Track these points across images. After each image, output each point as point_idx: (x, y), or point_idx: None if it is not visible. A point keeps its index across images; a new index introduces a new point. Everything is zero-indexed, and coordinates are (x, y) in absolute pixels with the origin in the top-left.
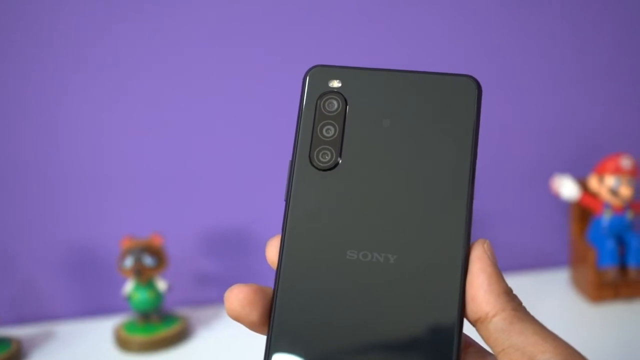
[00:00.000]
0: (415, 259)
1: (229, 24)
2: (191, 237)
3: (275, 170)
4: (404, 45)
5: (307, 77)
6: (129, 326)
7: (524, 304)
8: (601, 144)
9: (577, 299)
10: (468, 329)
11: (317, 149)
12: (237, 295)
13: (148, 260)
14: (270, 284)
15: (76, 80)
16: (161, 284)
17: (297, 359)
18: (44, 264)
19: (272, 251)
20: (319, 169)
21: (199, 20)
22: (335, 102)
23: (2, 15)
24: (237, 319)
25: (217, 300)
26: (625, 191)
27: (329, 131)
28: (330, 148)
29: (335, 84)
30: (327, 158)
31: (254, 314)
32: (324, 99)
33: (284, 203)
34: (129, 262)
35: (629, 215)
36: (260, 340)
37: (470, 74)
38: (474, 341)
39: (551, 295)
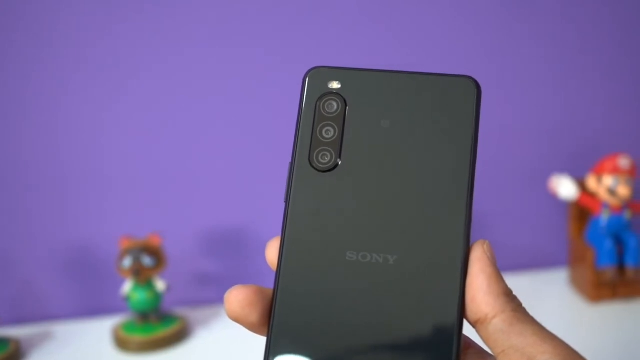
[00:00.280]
0: (414, 259)
1: (229, 24)
2: (190, 237)
3: (274, 171)
4: (404, 45)
5: (307, 79)
6: (128, 326)
7: (522, 304)
8: (599, 144)
9: (576, 299)
10: (468, 330)
11: (317, 150)
12: (237, 297)
13: (147, 260)
14: (270, 284)
15: (75, 80)
16: (160, 284)
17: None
18: (42, 264)
19: (271, 252)
20: (319, 170)
21: (198, 20)
22: (334, 104)
23: (2, 15)
24: (237, 320)
25: (215, 300)
26: (623, 191)
27: (329, 132)
28: (329, 149)
29: (335, 85)
30: (327, 159)
31: (254, 315)
32: (323, 100)
33: (283, 203)
34: (127, 262)
35: (627, 215)
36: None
37: (470, 74)
38: (473, 342)
39: (550, 295)
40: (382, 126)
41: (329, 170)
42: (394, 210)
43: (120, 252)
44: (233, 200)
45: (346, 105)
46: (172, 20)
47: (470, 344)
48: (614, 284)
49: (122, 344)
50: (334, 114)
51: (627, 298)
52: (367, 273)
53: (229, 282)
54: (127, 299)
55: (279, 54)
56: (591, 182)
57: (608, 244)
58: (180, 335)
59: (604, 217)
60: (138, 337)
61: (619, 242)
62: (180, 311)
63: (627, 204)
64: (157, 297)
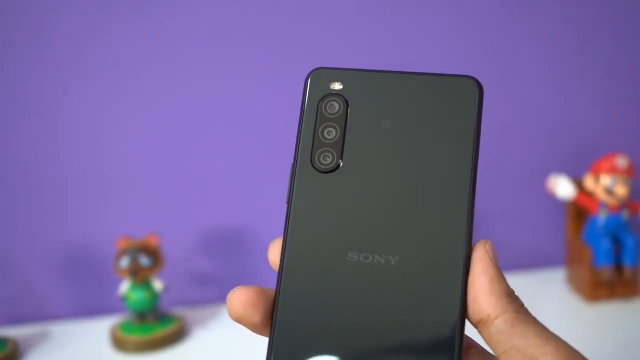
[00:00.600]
0: (416, 260)
1: (229, 24)
2: (188, 237)
3: (273, 171)
4: (404, 45)
5: (309, 80)
6: (126, 326)
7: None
8: (597, 144)
9: (574, 299)
10: (470, 331)
11: (319, 152)
12: (240, 298)
13: (144, 261)
14: (269, 284)
15: (75, 80)
16: (157, 284)
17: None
18: (40, 264)
19: (274, 253)
20: (321, 172)
21: (198, 21)
22: (336, 105)
23: (2, 15)
24: (239, 321)
25: (213, 300)
26: (621, 191)
27: (331, 134)
28: (331, 150)
29: (337, 86)
30: (329, 160)
31: (257, 316)
32: (325, 102)
33: (281, 204)
34: (125, 262)
35: (625, 215)
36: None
37: (470, 74)
38: (476, 343)
39: (547, 295)
40: (384, 127)
41: (331, 172)
42: (396, 211)
43: (118, 252)
44: (231, 200)
45: (348, 107)
46: (172, 20)
47: (473, 344)
48: (612, 283)
49: (119, 344)
50: (336, 115)
51: (624, 298)
52: (369, 274)
53: (227, 282)
54: (124, 299)
55: (279, 54)
56: (589, 182)
57: (606, 244)
58: (178, 336)
59: (602, 216)
60: (136, 337)
61: (617, 241)
62: (178, 311)
63: (625, 204)
64: (155, 297)
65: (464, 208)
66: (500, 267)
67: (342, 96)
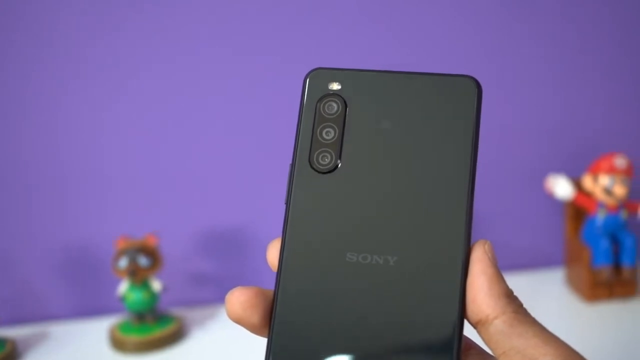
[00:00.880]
0: (415, 260)
1: (229, 24)
2: (186, 238)
3: (272, 171)
4: (404, 45)
5: (307, 80)
6: (124, 326)
7: (523, 304)
8: (596, 143)
9: (572, 299)
10: (469, 331)
11: (317, 152)
12: (239, 298)
13: (143, 261)
14: (267, 284)
15: (75, 80)
16: (156, 285)
17: None
18: (38, 265)
19: (272, 254)
20: (319, 172)
21: (198, 21)
22: (334, 105)
23: (2, 15)
24: (238, 321)
25: (212, 300)
26: (619, 190)
27: (329, 134)
28: (330, 151)
29: (335, 86)
30: (327, 161)
31: (255, 317)
32: (323, 102)
33: (280, 204)
34: (123, 262)
35: (623, 215)
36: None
37: (470, 74)
38: (475, 343)
39: (546, 295)
40: (382, 127)
41: (329, 172)
42: (394, 211)
43: (117, 253)
44: (230, 201)
45: (346, 107)
46: (172, 20)
47: (472, 345)
48: (610, 283)
49: (118, 344)
50: (334, 115)
51: (623, 298)
52: (367, 274)
53: (225, 282)
54: (123, 299)
55: (279, 54)
56: (587, 182)
57: (604, 244)
58: (176, 336)
59: (600, 216)
60: (134, 337)
61: (615, 241)
62: (177, 311)
63: (623, 204)
64: (153, 297)
65: (462, 208)
66: (499, 267)
67: (340, 96)
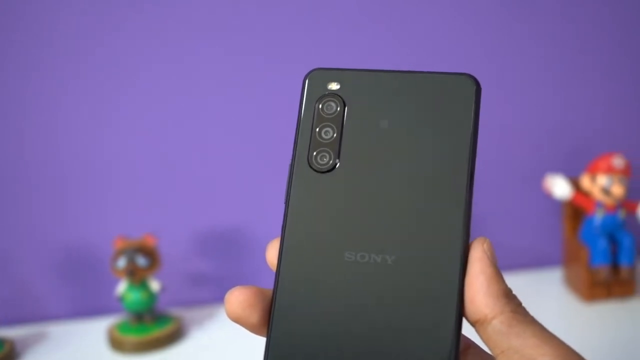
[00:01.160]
0: (413, 259)
1: (228, 25)
2: (184, 238)
3: (270, 171)
4: (404, 45)
5: (306, 80)
6: (122, 327)
7: (522, 304)
8: (593, 143)
9: (570, 298)
10: (468, 330)
11: (316, 152)
12: (238, 298)
13: (141, 261)
14: (266, 284)
15: (73, 81)
16: (154, 285)
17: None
18: (36, 265)
19: (272, 253)
20: (318, 172)
21: (197, 21)
22: (333, 104)
23: (2, 15)
24: (237, 321)
25: (210, 300)
26: (617, 190)
27: (328, 133)
28: (328, 150)
29: (334, 86)
30: (325, 160)
31: (254, 316)
32: (322, 102)
33: (279, 204)
34: (122, 262)
35: (621, 214)
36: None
37: (469, 73)
38: (474, 343)
39: (544, 295)
40: (380, 126)
41: (328, 171)
42: (393, 210)
43: (115, 253)
44: (228, 201)
45: (345, 106)
46: (171, 20)
47: (470, 344)
48: (608, 283)
49: (116, 344)
50: (333, 115)
51: (621, 297)
52: (365, 273)
53: (223, 282)
54: (121, 299)
55: (279, 54)
56: (585, 182)
57: (602, 244)
58: (174, 336)
59: (598, 216)
60: (133, 337)
61: (613, 241)
62: (175, 311)
63: (621, 204)
64: (152, 297)
65: (460, 206)
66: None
67: (338, 96)
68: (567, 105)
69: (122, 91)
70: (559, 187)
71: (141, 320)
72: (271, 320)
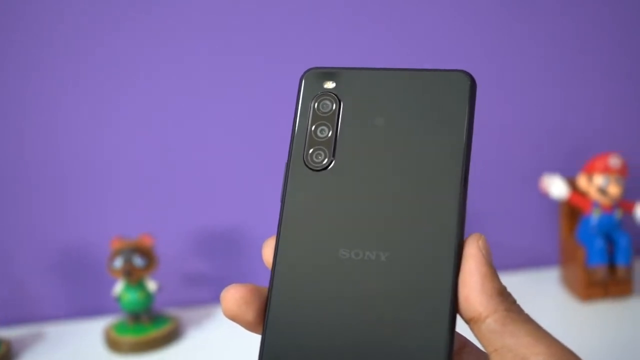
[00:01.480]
0: (406, 256)
1: (226, 25)
2: (181, 238)
3: (267, 171)
4: (404, 45)
5: (303, 80)
6: (119, 327)
7: (517, 301)
8: (590, 143)
9: (567, 298)
10: (465, 329)
11: (311, 150)
12: (234, 295)
13: (138, 261)
14: (262, 283)
15: (72, 81)
16: (151, 285)
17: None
18: (33, 265)
19: (267, 252)
20: (313, 170)
21: (195, 22)
22: (328, 103)
23: (2, 15)
24: (233, 318)
25: (207, 300)
26: (614, 190)
27: (323, 132)
28: (324, 148)
29: (329, 85)
30: (321, 158)
31: (250, 314)
32: (318, 100)
33: (275, 204)
34: (118, 262)
35: (618, 214)
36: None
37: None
38: (469, 341)
39: (541, 294)
40: (375, 124)
41: (323, 169)
42: (387, 207)
43: (112, 253)
44: (225, 201)
45: (340, 104)
46: (170, 21)
47: (466, 342)
48: (605, 283)
49: (113, 344)
50: (328, 113)
51: (618, 297)
52: (359, 270)
53: (220, 282)
54: (118, 299)
55: (278, 54)
56: (582, 181)
57: (599, 243)
58: (171, 336)
59: (595, 216)
60: (130, 337)
61: (610, 241)
62: (172, 311)
63: (618, 203)
64: (149, 297)
65: (454, 203)
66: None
67: (334, 94)
68: (567, 105)
69: (122, 91)
70: (556, 187)
71: (138, 321)
72: (266, 318)
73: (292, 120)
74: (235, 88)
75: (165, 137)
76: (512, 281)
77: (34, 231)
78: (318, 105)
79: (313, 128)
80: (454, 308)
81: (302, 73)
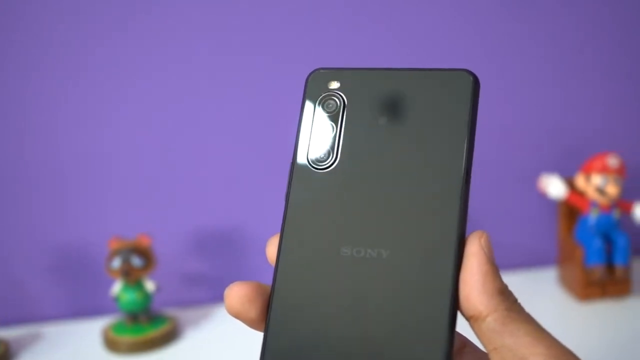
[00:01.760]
0: (407, 254)
1: (226, 25)
2: (179, 238)
3: (265, 172)
4: (404, 45)
5: (308, 80)
6: (117, 327)
7: (518, 300)
8: (588, 143)
9: (565, 298)
10: (465, 329)
11: (316, 149)
12: (237, 293)
13: (136, 261)
14: (263, 282)
15: (72, 81)
16: (149, 285)
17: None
18: (32, 265)
19: (271, 250)
20: (317, 169)
21: (194, 22)
22: (333, 103)
23: (2, 15)
24: (236, 316)
25: (205, 300)
26: (612, 190)
27: (328, 131)
28: (328, 148)
29: (334, 85)
30: (325, 157)
31: (253, 311)
32: (323, 100)
33: (273, 204)
34: (117, 262)
35: (616, 214)
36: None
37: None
38: (470, 341)
39: (539, 294)
40: (379, 123)
41: (327, 168)
42: (389, 205)
43: (110, 253)
44: (223, 201)
45: (344, 104)
46: (170, 21)
47: (466, 342)
48: (603, 282)
49: (111, 344)
50: (333, 113)
51: (616, 297)
52: (361, 268)
53: (218, 282)
54: (116, 299)
55: (278, 54)
56: (580, 181)
57: (597, 243)
58: (170, 336)
59: (593, 216)
60: (128, 337)
61: (608, 241)
62: (170, 311)
63: (616, 203)
64: (147, 297)
65: (455, 201)
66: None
67: (339, 94)
68: (565, 105)
69: (121, 91)
70: (554, 187)
71: (136, 321)
72: (269, 315)
73: (294, 120)
74: (235, 88)
75: (164, 137)
76: (510, 281)
77: (32, 231)
78: (323, 105)
79: (318, 128)
80: (455, 306)
81: (304, 74)
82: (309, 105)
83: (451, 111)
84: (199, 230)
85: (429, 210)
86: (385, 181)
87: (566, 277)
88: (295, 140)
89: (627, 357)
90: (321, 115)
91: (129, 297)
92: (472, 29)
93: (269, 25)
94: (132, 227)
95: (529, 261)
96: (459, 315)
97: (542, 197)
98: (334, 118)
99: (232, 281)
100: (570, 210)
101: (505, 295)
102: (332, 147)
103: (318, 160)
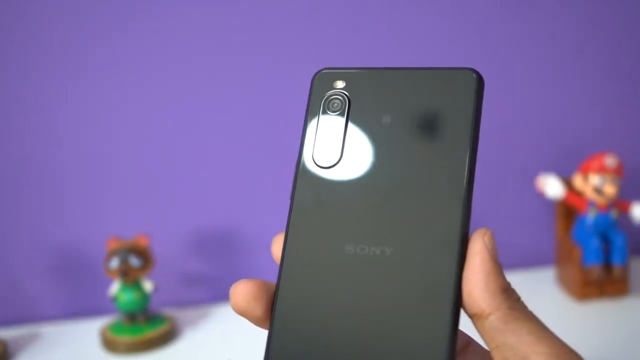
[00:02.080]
0: (411, 252)
1: (226, 26)
2: (177, 238)
3: (264, 172)
4: (404, 45)
5: (314, 80)
6: (115, 327)
7: (521, 298)
8: (587, 143)
9: (563, 297)
10: (468, 327)
11: (321, 147)
12: (242, 291)
13: (134, 261)
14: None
15: (72, 81)
16: (147, 285)
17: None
18: (30, 265)
19: (276, 248)
20: (322, 167)
21: (194, 22)
22: (338, 102)
23: (2, 15)
24: (242, 313)
25: (203, 300)
26: (610, 189)
27: (332, 130)
28: (333, 146)
29: (339, 84)
30: (330, 156)
31: (258, 309)
32: (328, 100)
33: (271, 204)
34: (115, 263)
35: (614, 214)
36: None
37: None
38: (473, 340)
39: (537, 294)
40: (383, 122)
41: (332, 167)
42: (393, 203)
43: (108, 253)
44: (221, 201)
45: (349, 103)
46: (170, 21)
47: (470, 341)
48: (601, 282)
49: (109, 345)
50: (338, 112)
51: (614, 296)
52: (364, 265)
53: (216, 282)
54: (114, 299)
55: (276, 54)
56: (578, 181)
57: (595, 243)
58: (168, 336)
59: (591, 215)
60: (126, 338)
61: (606, 240)
62: (168, 312)
63: (614, 203)
64: (145, 297)
65: (459, 199)
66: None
67: (343, 93)
68: (564, 105)
69: (121, 91)
70: (552, 187)
71: (134, 321)
72: (273, 312)
73: (296, 119)
74: (235, 88)
75: (164, 137)
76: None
77: (30, 232)
78: (328, 104)
79: (323, 126)
80: (458, 304)
81: (303, 73)
82: (314, 104)
83: (456, 110)
84: (198, 230)
85: (433, 208)
86: (389, 179)
87: (564, 276)
88: (300, 139)
89: (625, 357)
90: (327, 114)
91: (127, 297)
92: (472, 29)
93: (269, 25)
94: (131, 227)
95: (527, 261)
96: (463, 313)
97: (540, 196)
98: (339, 117)
99: (231, 281)
100: (568, 210)
101: (508, 294)
102: (337, 146)
103: (323, 159)
